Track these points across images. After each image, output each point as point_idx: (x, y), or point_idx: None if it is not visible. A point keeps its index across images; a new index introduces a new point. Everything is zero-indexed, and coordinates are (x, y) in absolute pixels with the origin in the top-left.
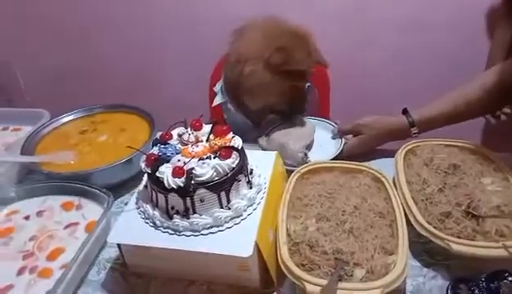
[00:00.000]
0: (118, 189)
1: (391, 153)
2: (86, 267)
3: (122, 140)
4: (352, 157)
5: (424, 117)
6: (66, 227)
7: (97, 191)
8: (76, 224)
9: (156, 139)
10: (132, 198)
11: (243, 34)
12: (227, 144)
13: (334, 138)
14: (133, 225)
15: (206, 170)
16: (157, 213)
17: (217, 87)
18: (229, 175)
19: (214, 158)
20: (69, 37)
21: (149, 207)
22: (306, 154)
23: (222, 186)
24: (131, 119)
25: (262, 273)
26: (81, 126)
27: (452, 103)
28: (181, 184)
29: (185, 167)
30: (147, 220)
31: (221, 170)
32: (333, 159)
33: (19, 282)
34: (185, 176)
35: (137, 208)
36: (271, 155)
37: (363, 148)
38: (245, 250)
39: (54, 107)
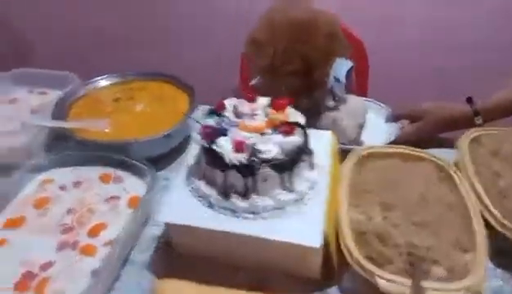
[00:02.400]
0: (154, 163)
1: (449, 143)
2: (130, 246)
3: (160, 110)
4: (406, 144)
5: (491, 104)
6: (106, 201)
7: (139, 164)
8: (117, 198)
9: (211, 109)
10: (179, 173)
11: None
12: (290, 120)
13: (386, 122)
14: (185, 204)
15: (270, 147)
16: (213, 192)
17: None
18: (295, 154)
19: (277, 134)
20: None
21: (202, 185)
22: (359, 133)
23: (287, 166)
24: (168, 89)
25: (323, 264)
26: (114, 93)
27: None
28: (244, 161)
29: (247, 142)
30: (200, 199)
31: (286, 148)
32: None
33: (60, 259)
34: (247, 152)
35: (188, 185)
36: (327, 134)
37: (420, 135)
38: (314, 239)
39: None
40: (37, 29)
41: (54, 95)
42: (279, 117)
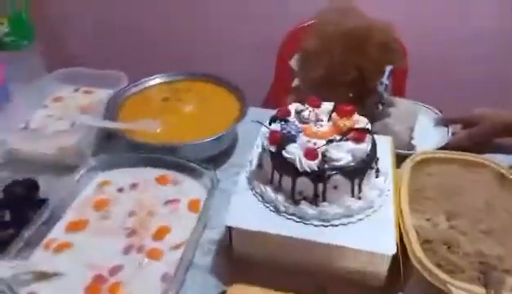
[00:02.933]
0: None
1: (504, 149)
2: (195, 250)
3: (209, 112)
4: (459, 150)
5: None
6: (166, 203)
7: (198, 167)
8: (177, 201)
9: (275, 115)
10: (241, 178)
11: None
12: (357, 126)
13: (435, 126)
14: (252, 209)
15: (342, 154)
16: (280, 197)
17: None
18: (364, 161)
19: (346, 140)
20: None
21: (269, 190)
22: (411, 137)
23: (358, 173)
24: (215, 90)
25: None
26: (162, 94)
27: None
28: (316, 168)
29: (318, 150)
30: (267, 204)
31: (357, 155)
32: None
33: (128, 262)
34: (319, 159)
35: (251, 189)
36: (387, 140)
37: (476, 141)
38: (388, 247)
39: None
40: (77, 30)
41: (101, 93)
42: (346, 123)
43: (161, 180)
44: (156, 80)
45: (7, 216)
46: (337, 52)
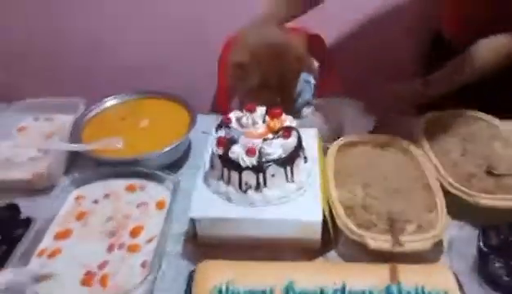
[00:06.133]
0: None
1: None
2: (165, 240)
3: (161, 124)
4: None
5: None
6: (137, 206)
7: (160, 173)
8: (146, 204)
9: (220, 123)
10: (198, 178)
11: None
12: (286, 125)
13: (363, 114)
14: (209, 201)
15: (274, 149)
16: (231, 189)
17: None
18: (293, 151)
19: (277, 137)
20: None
21: (221, 185)
22: (342, 131)
23: (289, 162)
24: (163, 104)
25: (322, 236)
26: (119, 113)
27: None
28: (255, 163)
29: (256, 148)
30: (221, 196)
31: (287, 148)
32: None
33: (112, 258)
34: (257, 155)
35: (208, 186)
36: (313, 132)
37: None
38: (316, 215)
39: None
40: None
41: (62, 119)
42: (276, 123)
43: (130, 188)
44: (111, 102)
45: None
46: (263, 62)
